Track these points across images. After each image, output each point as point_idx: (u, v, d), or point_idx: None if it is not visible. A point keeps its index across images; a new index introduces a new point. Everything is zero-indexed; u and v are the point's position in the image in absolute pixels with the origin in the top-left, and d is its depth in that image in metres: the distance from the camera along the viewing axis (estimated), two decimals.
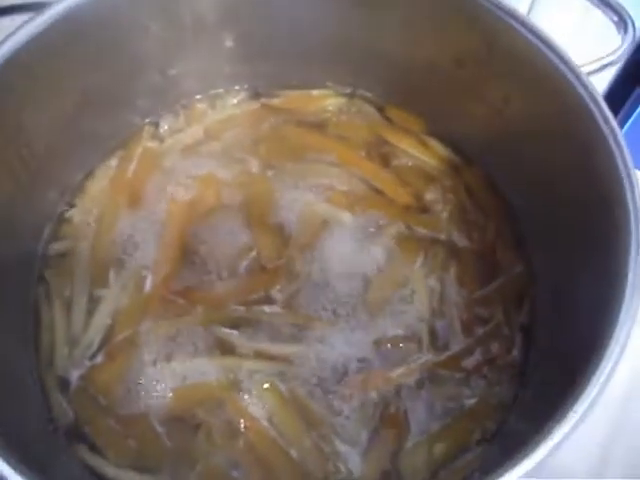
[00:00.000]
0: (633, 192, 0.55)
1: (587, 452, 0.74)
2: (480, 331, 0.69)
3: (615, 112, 0.87)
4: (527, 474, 0.46)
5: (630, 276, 0.52)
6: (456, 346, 0.68)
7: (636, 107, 0.94)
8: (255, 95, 0.84)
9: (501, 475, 0.46)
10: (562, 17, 0.87)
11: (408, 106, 0.82)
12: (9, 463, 0.46)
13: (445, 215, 0.76)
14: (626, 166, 0.56)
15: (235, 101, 0.83)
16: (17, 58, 0.60)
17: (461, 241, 0.74)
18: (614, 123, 0.58)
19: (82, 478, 0.61)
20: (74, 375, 0.66)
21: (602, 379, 0.49)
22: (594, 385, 0.49)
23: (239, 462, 0.63)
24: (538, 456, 0.46)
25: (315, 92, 0.84)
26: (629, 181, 0.56)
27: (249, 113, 0.83)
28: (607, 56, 0.66)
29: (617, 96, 1.01)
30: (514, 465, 0.46)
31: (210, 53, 0.79)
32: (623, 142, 0.58)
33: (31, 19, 0.62)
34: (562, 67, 0.62)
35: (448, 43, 0.72)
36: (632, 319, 0.51)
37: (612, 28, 0.68)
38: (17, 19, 0.97)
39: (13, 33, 0.61)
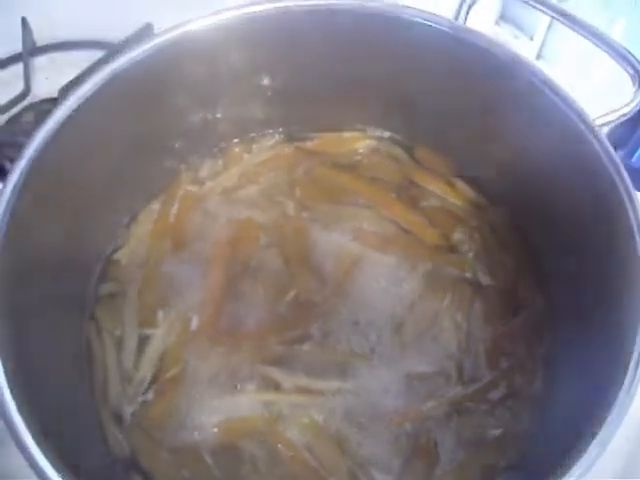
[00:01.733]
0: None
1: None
2: (504, 365, 0.73)
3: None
4: None
5: None
6: (482, 380, 0.72)
7: None
8: (289, 139, 0.87)
9: None
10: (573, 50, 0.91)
11: (436, 148, 0.85)
12: None
13: (471, 255, 0.79)
14: (631, 200, 0.61)
15: (270, 144, 0.87)
16: (79, 107, 0.66)
17: (486, 279, 0.78)
18: (620, 163, 0.63)
19: None
20: (127, 411, 0.70)
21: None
22: (613, 418, 0.53)
23: None
24: None
25: (347, 134, 0.87)
26: (635, 214, 0.61)
27: (283, 156, 0.86)
28: (621, 108, 0.70)
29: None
30: None
31: (245, 100, 0.82)
32: (631, 187, 0.62)
33: (95, 73, 0.67)
34: (579, 124, 0.66)
35: (469, 92, 0.76)
36: None
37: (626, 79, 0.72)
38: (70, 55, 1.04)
39: (78, 85, 0.66)
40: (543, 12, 0.77)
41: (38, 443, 0.52)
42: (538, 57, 1.13)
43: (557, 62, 1.11)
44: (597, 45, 0.71)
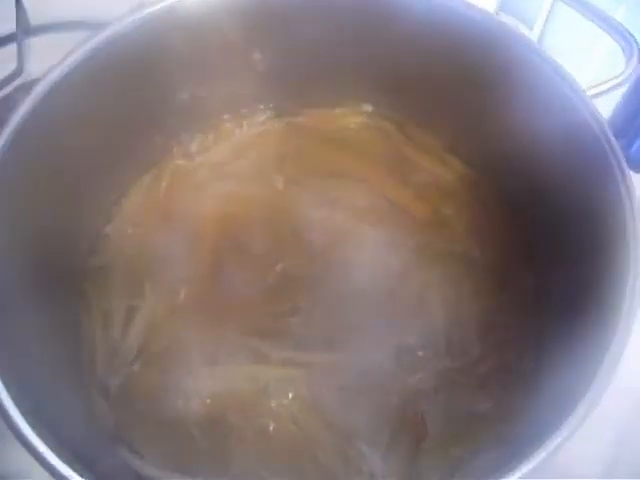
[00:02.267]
0: (631, 201, 0.60)
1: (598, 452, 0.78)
2: (493, 339, 0.73)
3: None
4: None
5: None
6: (471, 353, 0.72)
7: None
8: (279, 114, 0.88)
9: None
10: (572, 41, 0.91)
11: (427, 124, 0.85)
12: (63, 461, 0.51)
13: (461, 229, 0.79)
14: (623, 174, 0.61)
15: (260, 120, 0.87)
16: (64, 82, 0.66)
17: (476, 254, 0.78)
18: (613, 139, 0.63)
19: (127, 478, 0.66)
20: (114, 383, 0.70)
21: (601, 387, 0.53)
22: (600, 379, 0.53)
23: (270, 462, 0.67)
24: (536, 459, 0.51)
25: (338, 110, 0.88)
26: (627, 193, 0.61)
27: (274, 131, 0.86)
28: (613, 79, 0.70)
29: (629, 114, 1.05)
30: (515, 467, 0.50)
31: (236, 75, 0.82)
32: (624, 163, 0.62)
33: (79, 46, 0.67)
34: (566, 89, 0.66)
35: (463, 67, 0.75)
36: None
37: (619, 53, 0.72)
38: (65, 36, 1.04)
39: (67, 55, 0.66)
40: None
41: (25, 417, 0.52)
42: None
43: (556, 52, 1.11)
44: (585, 16, 0.71)
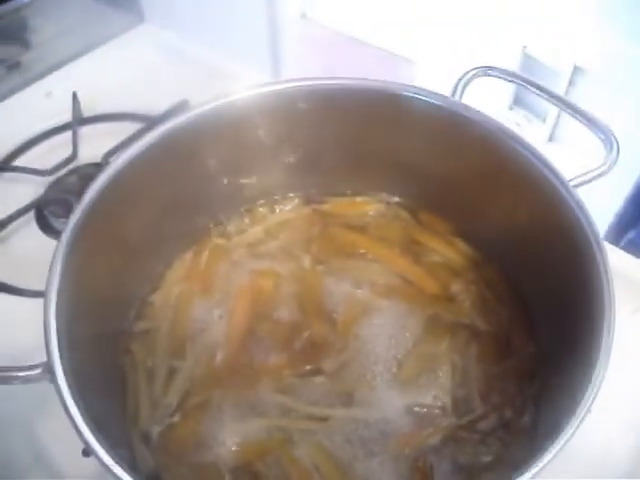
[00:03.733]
0: (608, 280, 0.68)
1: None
2: (495, 401, 0.80)
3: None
4: None
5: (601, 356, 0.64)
6: (475, 412, 0.79)
7: None
8: (307, 202, 0.99)
9: None
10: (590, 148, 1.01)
11: (437, 211, 0.95)
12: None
13: (468, 304, 0.88)
14: (602, 257, 0.69)
15: (290, 207, 0.98)
16: (123, 171, 0.76)
17: (481, 325, 0.86)
18: (595, 226, 0.72)
19: None
20: (155, 431, 0.78)
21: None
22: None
23: None
24: None
25: (358, 199, 0.99)
26: (605, 271, 0.69)
27: (302, 217, 0.97)
28: (595, 169, 0.79)
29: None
30: None
31: (269, 167, 0.94)
32: (602, 243, 0.71)
33: (137, 140, 0.78)
34: (555, 181, 0.75)
35: (465, 161, 0.86)
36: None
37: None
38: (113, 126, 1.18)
39: (122, 152, 0.77)
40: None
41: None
42: (550, 139, 1.24)
43: (568, 144, 1.22)
44: (571, 114, 0.82)
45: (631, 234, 1.53)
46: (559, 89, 1.20)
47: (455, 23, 1.25)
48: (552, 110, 1.21)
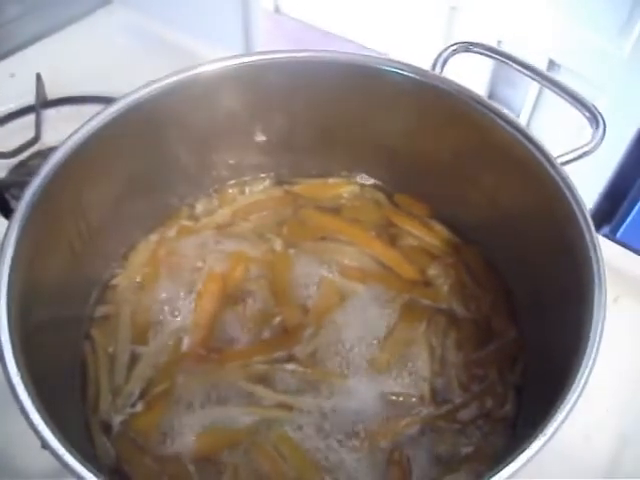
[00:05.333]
0: (598, 262, 0.65)
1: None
2: (476, 389, 0.77)
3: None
4: None
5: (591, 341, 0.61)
6: (454, 401, 0.76)
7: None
8: (279, 183, 0.95)
9: None
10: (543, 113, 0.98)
11: (413, 193, 0.92)
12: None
13: (446, 288, 0.84)
14: (592, 237, 0.66)
15: (261, 187, 0.94)
16: (83, 145, 0.72)
17: (460, 310, 0.83)
18: (583, 204, 0.68)
19: None
20: (116, 420, 0.74)
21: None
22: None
23: None
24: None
25: (331, 180, 0.95)
26: (594, 252, 0.65)
27: (273, 198, 0.93)
28: (581, 147, 0.76)
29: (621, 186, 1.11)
30: None
31: (241, 147, 0.90)
32: (590, 219, 0.68)
33: (96, 115, 0.74)
34: (540, 158, 0.72)
35: (445, 139, 0.83)
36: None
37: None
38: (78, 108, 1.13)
39: (82, 125, 0.73)
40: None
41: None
42: None
43: (542, 139, 1.19)
44: (556, 93, 0.79)
45: (605, 230, 1.52)
46: (534, 84, 1.18)
47: (428, 17, 1.23)
48: (527, 104, 1.18)
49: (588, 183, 1.17)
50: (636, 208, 1.28)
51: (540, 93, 1.30)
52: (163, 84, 0.77)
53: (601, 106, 0.77)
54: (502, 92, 1.24)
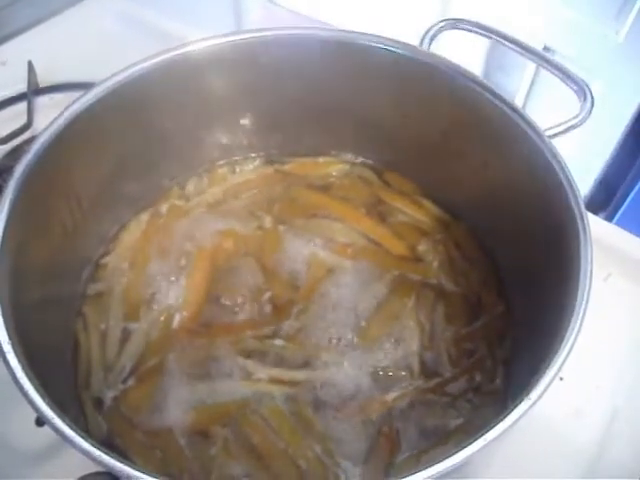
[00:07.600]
0: (585, 234, 0.65)
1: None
2: (465, 363, 0.77)
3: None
4: None
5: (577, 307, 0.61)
6: (443, 375, 0.76)
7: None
8: (269, 162, 0.96)
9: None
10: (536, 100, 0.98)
11: (403, 171, 0.93)
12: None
13: (435, 264, 0.85)
14: (580, 211, 0.66)
15: (252, 167, 0.95)
16: (70, 126, 0.72)
17: (449, 286, 0.83)
18: (572, 177, 0.68)
19: None
20: (108, 396, 0.74)
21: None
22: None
23: (251, 471, 0.70)
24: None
25: (321, 159, 0.96)
26: (582, 225, 0.65)
27: (264, 177, 0.94)
28: (570, 120, 0.77)
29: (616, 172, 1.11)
30: None
31: (230, 126, 0.91)
32: (579, 192, 0.68)
33: (83, 95, 0.75)
34: (528, 130, 0.73)
35: (433, 116, 0.83)
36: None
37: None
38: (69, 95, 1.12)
39: (69, 105, 0.73)
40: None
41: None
42: None
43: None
44: (539, 64, 0.79)
45: (601, 216, 1.53)
46: (529, 69, 1.18)
47: (421, 6, 1.23)
48: (520, 93, 1.18)
49: (583, 169, 1.17)
50: (632, 194, 1.28)
51: (534, 81, 1.30)
52: (150, 64, 0.78)
53: (596, 91, 0.77)
54: (495, 79, 1.24)
